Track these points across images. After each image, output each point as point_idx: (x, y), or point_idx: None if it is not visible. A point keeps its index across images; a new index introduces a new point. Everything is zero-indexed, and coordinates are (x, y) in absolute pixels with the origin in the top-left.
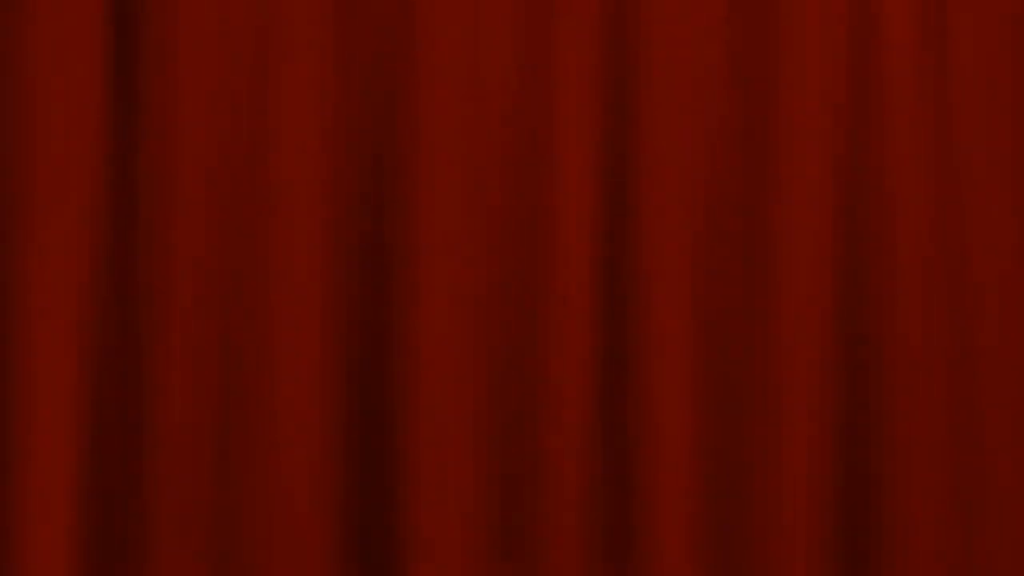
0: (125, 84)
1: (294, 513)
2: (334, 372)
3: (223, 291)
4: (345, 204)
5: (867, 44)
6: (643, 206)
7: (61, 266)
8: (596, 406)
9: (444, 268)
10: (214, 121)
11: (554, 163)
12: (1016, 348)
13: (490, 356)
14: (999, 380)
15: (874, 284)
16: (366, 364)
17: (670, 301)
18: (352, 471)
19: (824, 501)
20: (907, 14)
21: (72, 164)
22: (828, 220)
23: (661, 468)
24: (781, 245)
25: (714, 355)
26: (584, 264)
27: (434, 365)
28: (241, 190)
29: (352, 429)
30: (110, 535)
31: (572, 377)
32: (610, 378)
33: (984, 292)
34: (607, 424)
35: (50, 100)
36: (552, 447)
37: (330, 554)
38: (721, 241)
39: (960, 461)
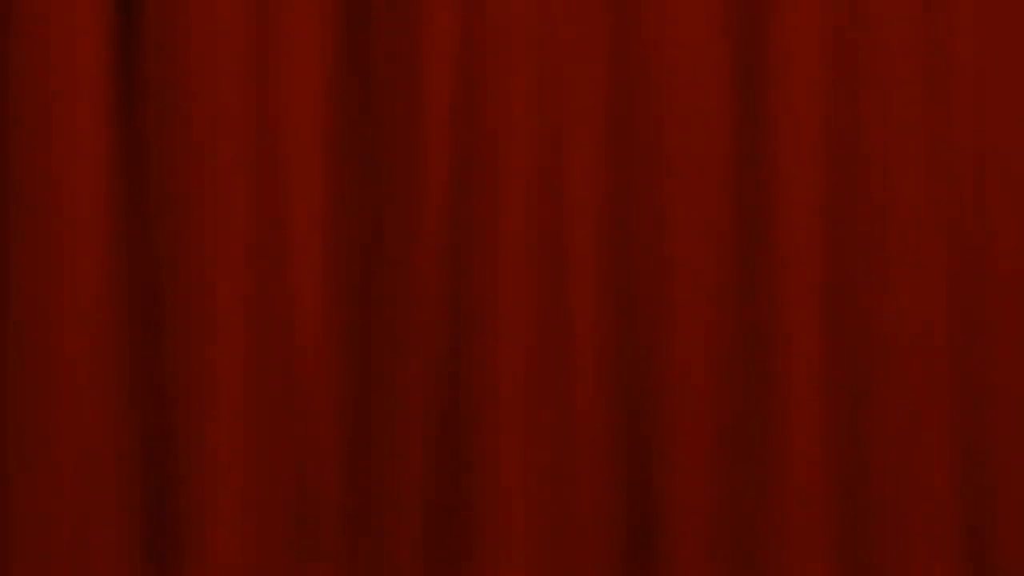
0: (129, 74)
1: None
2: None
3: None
4: (349, 195)
5: (861, 42)
6: (647, 201)
7: (71, 258)
8: (614, 405)
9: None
10: (219, 112)
11: (561, 165)
12: (1016, 342)
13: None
14: (1002, 373)
15: (866, 276)
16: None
17: (684, 298)
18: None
19: (829, 497)
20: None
21: (79, 156)
22: (822, 216)
23: (679, 469)
24: (780, 242)
25: (723, 349)
26: (593, 266)
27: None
28: (249, 178)
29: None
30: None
31: (591, 377)
32: (629, 379)
33: (986, 284)
34: (627, 428)
35: (55, 89)
36: (579, 449)
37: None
38: (728, 236)
39: (963, 457)
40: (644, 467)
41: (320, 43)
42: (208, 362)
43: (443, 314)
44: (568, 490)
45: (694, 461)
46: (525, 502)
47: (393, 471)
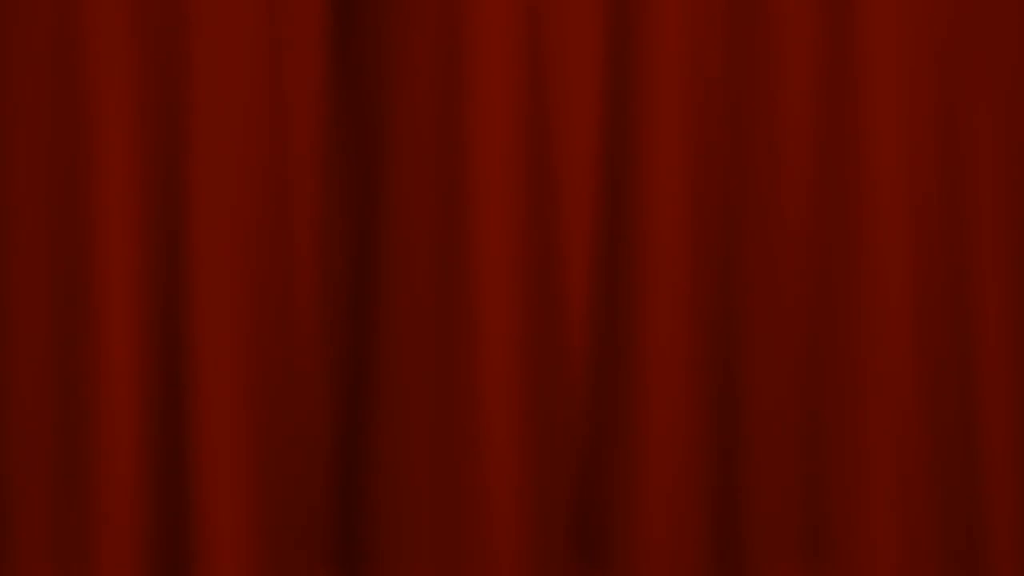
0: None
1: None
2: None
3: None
4: (343, 194)
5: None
6: (640, 199)
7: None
8: (598, 403)
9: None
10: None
11: (552, 160)
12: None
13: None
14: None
15: (847, 273)
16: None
17: (667, 297)
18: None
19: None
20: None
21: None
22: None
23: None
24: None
25: (711, 350)
26: (586, 265)
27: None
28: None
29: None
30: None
31: (577, 378)
32: (605, 380)
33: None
34: (603, 428)
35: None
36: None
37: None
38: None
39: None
40: (607, 466)
41: (314, 40)
42: (206, 362)
43: (430, 311)
44: (558, 486)
45: (676, 458)
46: (512, 499)
47: (385, 470)
